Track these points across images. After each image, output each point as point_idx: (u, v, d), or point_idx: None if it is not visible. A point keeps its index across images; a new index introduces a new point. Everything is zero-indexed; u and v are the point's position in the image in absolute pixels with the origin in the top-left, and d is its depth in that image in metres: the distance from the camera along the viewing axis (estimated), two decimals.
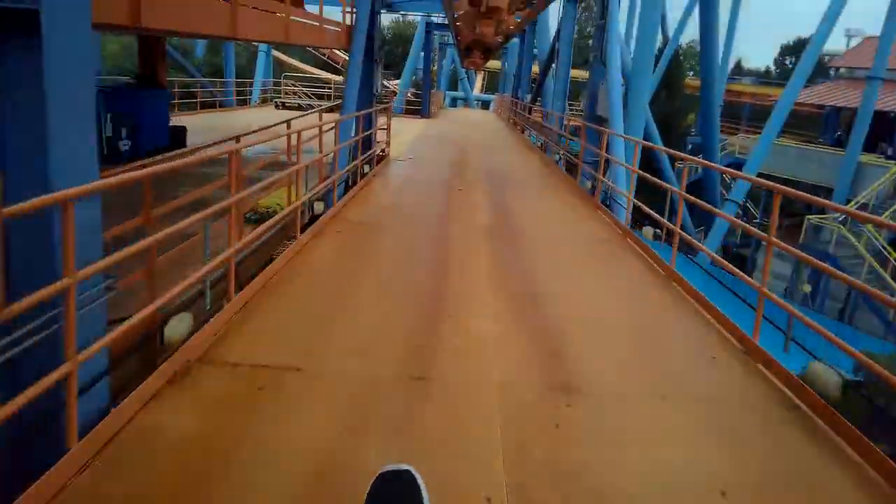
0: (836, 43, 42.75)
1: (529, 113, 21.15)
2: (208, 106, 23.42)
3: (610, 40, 11.56)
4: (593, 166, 9.99)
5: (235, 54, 50.08)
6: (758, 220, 26.58)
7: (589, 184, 10.59)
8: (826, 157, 25.23)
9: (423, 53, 28.19)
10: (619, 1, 13.71)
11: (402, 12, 22.73)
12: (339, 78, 36.21)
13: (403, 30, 68.55)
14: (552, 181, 12.59)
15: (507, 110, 30.73)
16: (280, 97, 28.75)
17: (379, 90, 13.16)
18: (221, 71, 42.24)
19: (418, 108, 28.19)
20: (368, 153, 10.49)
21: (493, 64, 53.09)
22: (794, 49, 51.61)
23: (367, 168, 10.30)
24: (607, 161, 9.51)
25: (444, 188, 10.36)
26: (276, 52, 59.78)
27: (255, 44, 54.73)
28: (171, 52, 24.73)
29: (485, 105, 61.73)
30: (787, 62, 53.80)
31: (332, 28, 12.25)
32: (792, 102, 23.30)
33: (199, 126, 15.30)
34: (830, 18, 22.48)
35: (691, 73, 45.82)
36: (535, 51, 26.59)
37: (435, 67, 54.05)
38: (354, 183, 9.43)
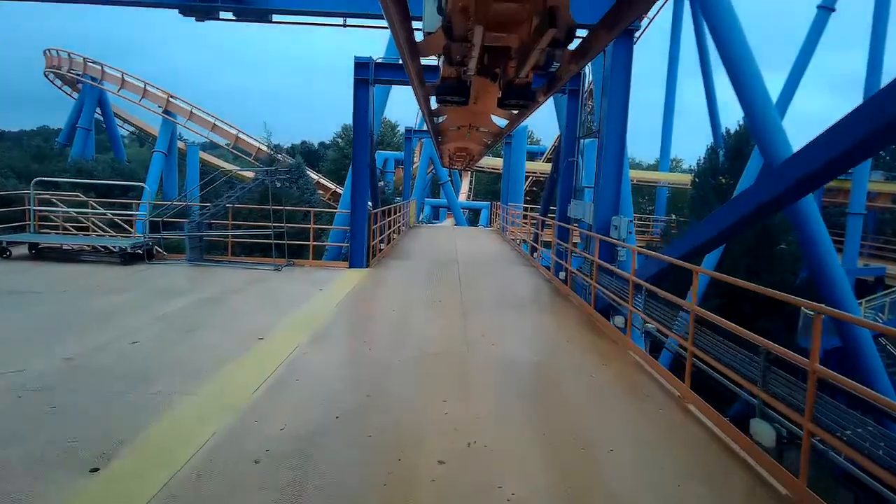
0: None
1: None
2: None
3: None
4: None
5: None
6: None
7: None
8: None
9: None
10: None
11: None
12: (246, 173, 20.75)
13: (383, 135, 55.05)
14: None
15: (516, 234, 15.51)
16: (33, 230, 13.07)
17: None
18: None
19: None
20: None
21: (489, 161, 39.01)
22: None
23: None
24: None
25: None
26: (203, 154, 45.54)
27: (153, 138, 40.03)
28: None
29: (474, 216, 47.30)
30: None
31: None
32: None
33: None
34: None
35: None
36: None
37: (394, 176, 39.28)
38: None
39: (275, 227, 12.27)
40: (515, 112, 8.54)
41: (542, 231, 15.98)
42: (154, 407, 4.67)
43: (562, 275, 11.62)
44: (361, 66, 12.13)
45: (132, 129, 43.28)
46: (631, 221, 9.63)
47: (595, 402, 5.36)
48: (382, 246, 15.46)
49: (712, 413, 5.06)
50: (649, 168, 54.68)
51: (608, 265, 8.99)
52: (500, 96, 5.53)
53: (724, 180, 29.40)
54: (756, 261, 22.66)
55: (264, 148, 37.44)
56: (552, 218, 15.99)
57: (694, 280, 5.55)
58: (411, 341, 7.09)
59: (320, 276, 11.45)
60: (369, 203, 13.73)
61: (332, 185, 40.06)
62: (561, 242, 12.35)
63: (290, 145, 59.56)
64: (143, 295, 8.99)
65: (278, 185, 12.08)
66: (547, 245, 16.48)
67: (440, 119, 10.44)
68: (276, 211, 12.92)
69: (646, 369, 6.46)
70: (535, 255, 16.47)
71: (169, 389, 5.06)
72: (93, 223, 14.48)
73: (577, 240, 12.60)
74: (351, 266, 12.59)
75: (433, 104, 9.07)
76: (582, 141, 12.86)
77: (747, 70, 14.23)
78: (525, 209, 25.51)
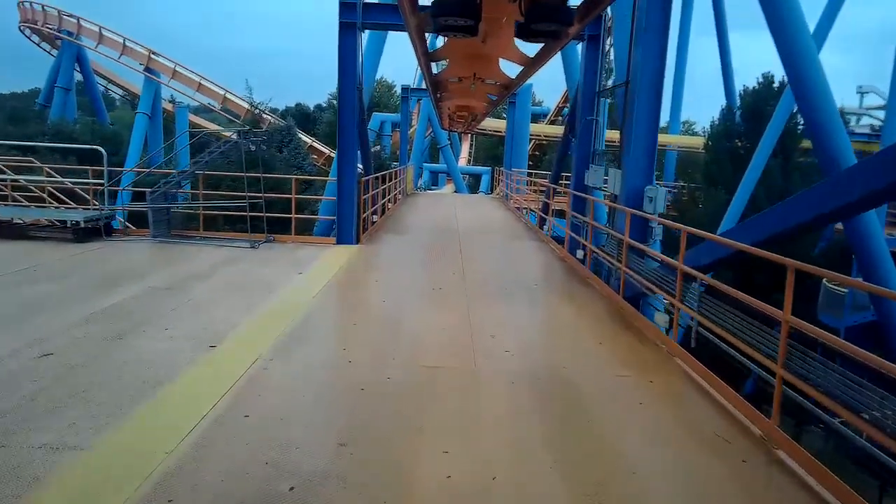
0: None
1: None
2: None
3: None
4: None
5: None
6: None
7: None
8: None
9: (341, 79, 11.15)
10: None
11: None
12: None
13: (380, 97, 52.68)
14: None
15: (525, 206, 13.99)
16: None
17: None
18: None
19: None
20: None
21: (490, 123, 37.10)
22: None
23: None
24: None
25: None
26: (193, 116, 43.25)
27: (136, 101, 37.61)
28: None
29: (475, 181, 45.48)
30: None
31: None
32: None
33: None
34: None
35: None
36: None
37: (389, 140, 36.99)
38: None
39: (250, 197, 10.70)
40: (533, 56, 6.90)
41: (552, 200, 14.41)
42: (31, 472, 3.23)
43: (580, 253, 10.12)
44: (347, 6, 10.38)
45: (120, 91, 41.12)
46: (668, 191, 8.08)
47: (653, 451, 3.92)
48: (375, 218, 13.91)
49: (815, 466, 3.63)
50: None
51: (642, 246, 7.50)
52: (523, 21, 3.95)
53: (739, 143, 27.65)
54: None
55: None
56: (564, 185, 14.41)
57: (789, 277, 4.04)
58: (404, 348, 5.63)
59: (302, 255, 9.94)
60: (360, 168, 12.14)
61: (325, 150, 38.16)
62: (577, 215, 10.81)
63: (283, 108, 57.26)
64: (82, 283, 7.50)
65: (253, 148, 10.42)
66: (558, 215, 14.95)
67: (439, 68, 8.78)
68: (254, 178, 11.33)
69: (702, 387, 5.03)
70: (545, 227, 14.95)
71: (61, 440, 3.61)
72: (49, 193, 12.88)
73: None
74: (338, 242, 11.08)
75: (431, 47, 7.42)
76: (600, 99, 11.20)
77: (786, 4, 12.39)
78: (529, 174, 23.83)
